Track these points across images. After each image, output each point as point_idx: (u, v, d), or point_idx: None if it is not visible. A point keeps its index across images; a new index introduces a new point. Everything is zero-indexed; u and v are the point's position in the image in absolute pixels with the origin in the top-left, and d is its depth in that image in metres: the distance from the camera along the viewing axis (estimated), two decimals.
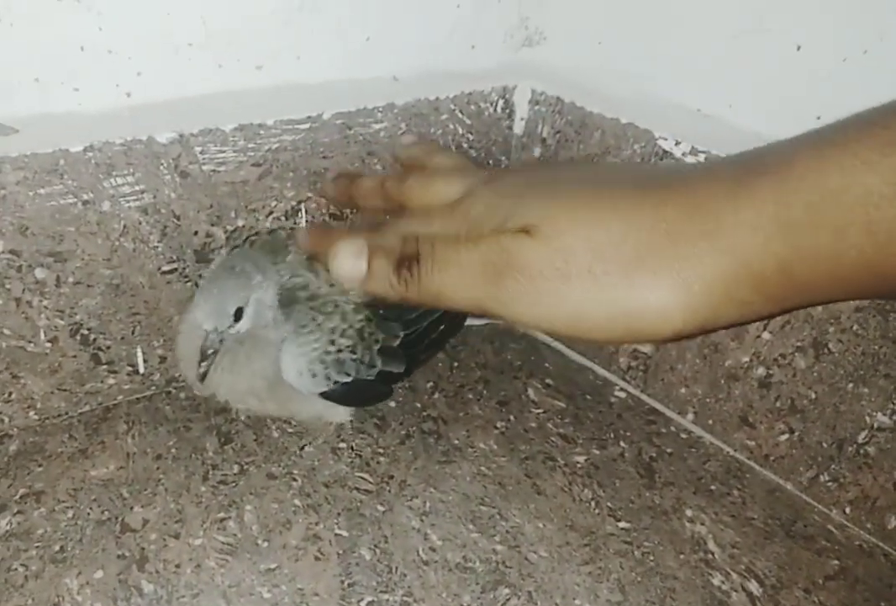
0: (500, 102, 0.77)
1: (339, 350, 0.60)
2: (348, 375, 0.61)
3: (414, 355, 0.65)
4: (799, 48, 0.60)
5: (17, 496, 0.59)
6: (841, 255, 0.32)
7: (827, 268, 0.33)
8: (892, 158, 0.30)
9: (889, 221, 0.30)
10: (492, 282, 0.38)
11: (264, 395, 0.62)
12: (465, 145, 0.77)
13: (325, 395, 0.62)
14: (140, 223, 0.63)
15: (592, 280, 0.36)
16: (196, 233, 0.65)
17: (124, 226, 0.62)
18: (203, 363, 0.57)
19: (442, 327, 0.66)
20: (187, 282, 0.67)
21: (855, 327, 0.58)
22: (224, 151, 0.64)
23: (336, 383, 0.61)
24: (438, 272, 0.40)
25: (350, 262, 0.43)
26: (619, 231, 0.36)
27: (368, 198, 0.52)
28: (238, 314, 0.58)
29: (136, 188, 0.61)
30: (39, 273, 0.60)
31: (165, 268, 0.66)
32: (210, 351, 0.57)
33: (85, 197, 0.60)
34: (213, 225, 0.66)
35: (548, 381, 0.76)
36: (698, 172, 0.38)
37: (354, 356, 0.61)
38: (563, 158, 0.74)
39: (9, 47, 0.57)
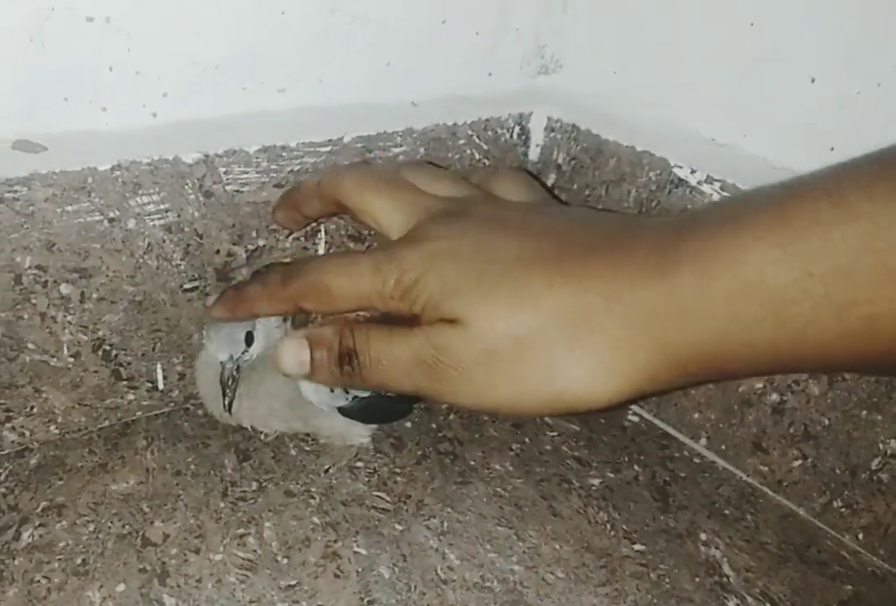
0: (517, 129, 0.78)
1: None
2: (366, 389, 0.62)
3: None
4: (813, 80, 0.62)
5: (39, 509, 0.60)
6: (757, 344, 0.34)
7: (746, 355, 0.35)
8: (795, 258, 0.32)
9: (799, 316, 0.32)
10: (427, 375, 0.40)
11: (286, 414, 0.63)
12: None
13: (343, 412, 0.63)
14: (164, 241, 0.63)
15: (517, 371, 0.38)
16: (218, 252, 0.66)
17: (148, 244, 0.63)
18: (227, 394, 0.59)
19: None
20: (208, 300, 0.68)
21: None
22: (247, 172, 0.65)
23: (355, 398, 0.62)
24: (376, 367, 0.43)
25: (294, 360, 0.47)
26: (537, 322, 0.37)
27: (309, 205, 0.56)
28: (249, 338, 0.59)
29: (161, 207, 0.62)
30: (64, 289, 0.61)
31: (187, 286, 0.66)
32: (230, 381, 0.59)
33: (111, 215, 0.60)
34: (234, 244, 0.67)
35: None
36: (623, 252, 0.38)
37: None
38: (578, 184, 0.75)
39: (39, 67, 0.58)
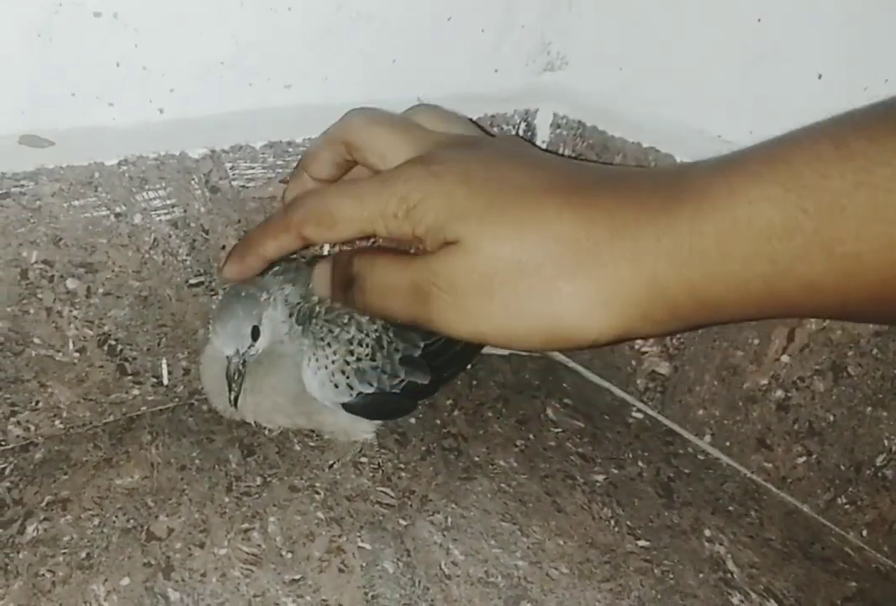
0: (523, 125, 0.78)
1: (359, 359, 0.61)
2: (371, 384, 0.62)
3: (438, 367, 0.66)
4: (820, 76, 0.61)
5: (44, 504, 0.60)
6: (748, 282, 0.34)
7: (736, 295, 0.35)
8: (792, 193, 0.32)
9: (789, 252, 0.33)
10: (422, 302, 0.40)
11: (290, 410, 0.63)
12: None
13: (348, 408, 0.63)
14: (170, 236, 0.64)
15: (515, 296, 0.38)
16: (223, 247, 0.66)
17: (154, 239, 0.63)
18: (233, 389, 0.59)
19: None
20: (213, 295, 0.68)
21: (874, 351, 0.59)
22: (253, 168, 0.65)
23: (359, 394, 0.62)
24: (374, 295, 0.43)
25: (322, 282, 0.49)
26: (542, 249, 0.37)
27: (318, 163, 0.54)
28: (255, 333, 0.59)
29: (168, 202, 0.62)
30: (71, 283, 0.61)
31: (193, 281, 0.66)
32: (236, 376, 0.59)
33: (118, 210, 0.60)
34: (240, 240, 0.67)
35: (566, 400, 0.77)
36: (629, 189, 0.39)
37: (375, 365, 0.62)
38: None
39: (47, 62, 0.58)
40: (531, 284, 0.38)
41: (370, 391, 0.62)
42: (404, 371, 0.63)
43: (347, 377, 0.61)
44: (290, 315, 0.62)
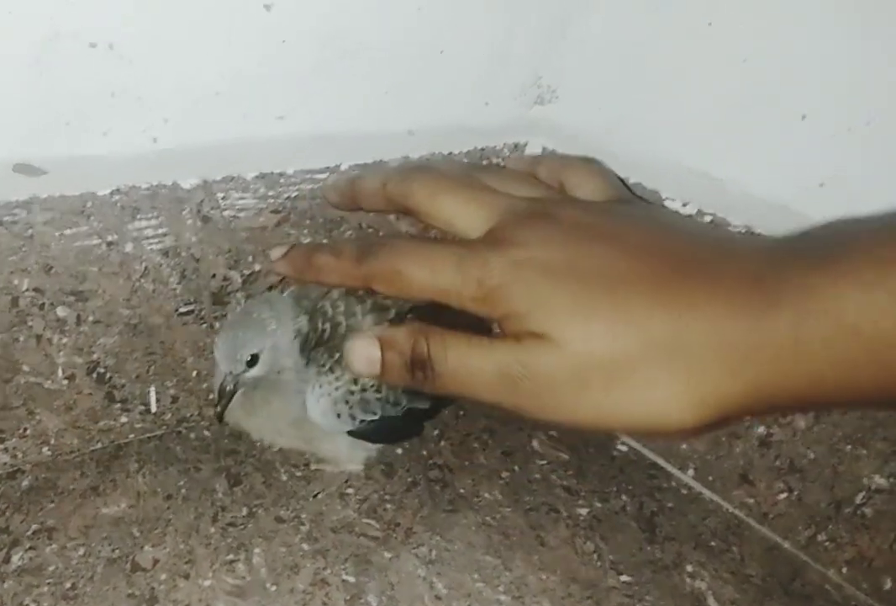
0: None
1: (364, 389, 0.61)
2: (374, 413, 0.62)
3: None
4: (804, 117, 0.63)
5: (30, 532, 0.60)
6: (858, 386, 0.33)
7: (843, 395, 0.34)
8: None
9: None
10: (510, 390, 0.39)
11: (291, 434, 0.63)
12: None
13: (353, 433, 0.63)
14: (161, 265, 0.64)
15: (608, 393, 0.37)
16: (214, 276, 0.67)
17: (145, 267, 0.63)
18: (221, 403, 0.59)
19: None
20: (203, 324, 0.68)
21: None
22: (245, 198, 0.65)
23: (362, 422, 0.62)
24: (453, 379, 0.41)
25: (363, 359, 0.44)
26: (635, 350, 0.37)
27: (370, 202, 0.50)
28: (253, 361, 0.59)
29: (159, 231, 0.63)
30: (61, 311, 0.61)
31: (183, 309, 0.67)
32: (227, 390, 0.59)
33: (109, 238, 0.61)
34: (230, 269, 0.67)
35: (551, 432, 0.77)
36: (724, 279, 0.37)
37: (379, 396, 0.62)
38: None
39: (42, 91, 0.58)
40: (624, 380, 0.37)
41: (375, 417, 0.62)
42: (406, 398, 0.63)
43: (350, 407, 0.61)
44: (302, 342, 0.62)
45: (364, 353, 0.43)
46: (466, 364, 0.40)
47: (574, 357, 0.37)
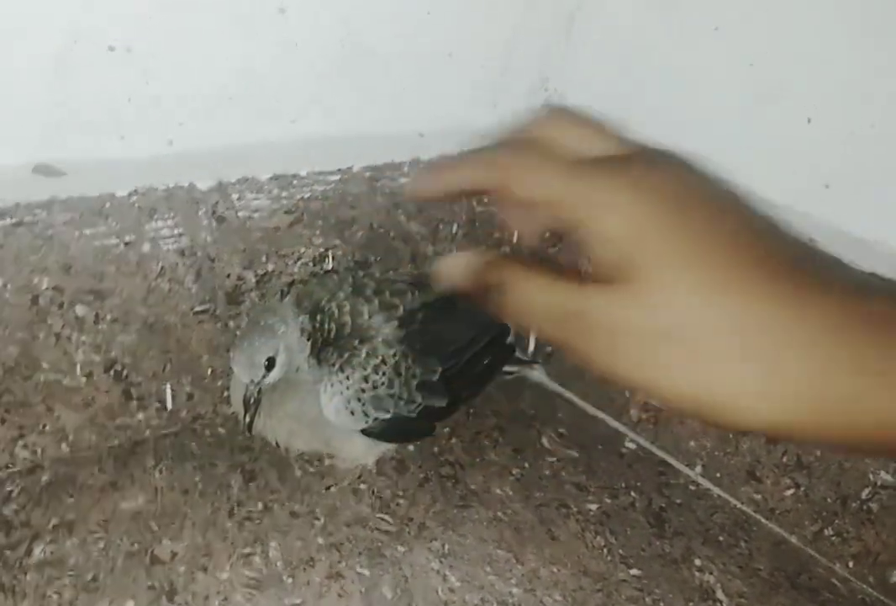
0: None
1: (375, 387, 0.62)
2: (387, 411, 0.63)
3: (456, 389, 0.66)
4: (809, 120, 0.63)
5: (50, 526, 0.61)
6: None
7: None
8: None
9: None
10: (579, 333, 0.34)
11: (306, 434, 0.64)
12: (485, 200, 0.79)
13: (365, 431, 0.64)
14: (177, 265, 0.65)
15: (686, 361, 0.33)
16: (229, 275, 0.68)
17: (162, 267, 0.64)
18: (248, 414, 0.61)
19: (486, 361, 0.68)
20: (217, 322, 0.69)
21: None
22: (259, 199, 0.66)
23: (376, 419, 0.63)
24: (522, 307, 0.36)
25: (455, 267, 0.42)
26: (734, 323, 0.32)
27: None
28: (270, 364, 0.60)
29: (176, 232, 0.64)
30: (80, 310, 0.62)
31: (198, 308, 0.68)
32: (252, 401, 0.60)
33: (127, 239, 0.62)
34: (245, 268, 0.68)
35: (561, 430, 0.78)
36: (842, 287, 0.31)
37: (392, 392, 0.62)
38: None
39: (63, 96, 0.60)
40: (708, 350, 0.32)
41: (386, 416, 0.63)
42: (421, 396, 0.64)
43: (363, 404, 0.62)
44: (308, 340, 0.62)
45: (459, 264, 0.40)
46: (537, 295, 0.34)
47: (667, 314, 0.32)
